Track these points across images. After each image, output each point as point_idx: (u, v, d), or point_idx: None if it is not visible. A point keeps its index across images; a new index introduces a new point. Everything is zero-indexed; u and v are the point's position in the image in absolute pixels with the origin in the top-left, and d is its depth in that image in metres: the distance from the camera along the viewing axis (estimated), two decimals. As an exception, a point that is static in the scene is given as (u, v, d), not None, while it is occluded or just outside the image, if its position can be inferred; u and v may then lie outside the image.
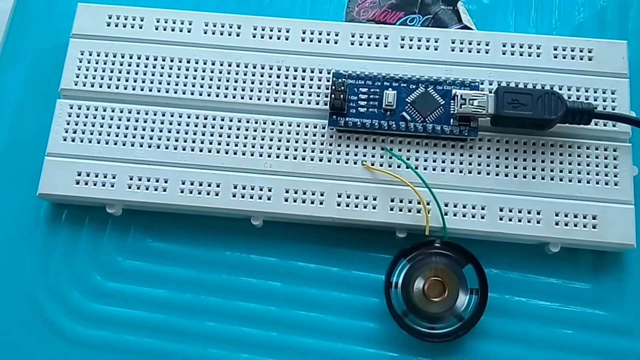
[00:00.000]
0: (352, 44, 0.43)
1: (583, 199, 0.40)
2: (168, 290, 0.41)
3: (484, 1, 0.47)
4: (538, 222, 0.40)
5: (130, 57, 0.43)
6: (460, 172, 0.41)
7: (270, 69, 0.43)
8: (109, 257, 0.42)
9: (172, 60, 0.43)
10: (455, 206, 0.40)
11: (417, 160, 0.41)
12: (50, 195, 0.41)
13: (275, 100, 0.42)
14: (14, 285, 0.42)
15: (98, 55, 0.43)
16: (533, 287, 0.41)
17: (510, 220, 0.40)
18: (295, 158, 0.41)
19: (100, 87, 0.43)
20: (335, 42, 0.43)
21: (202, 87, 0.43)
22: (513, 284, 0.41)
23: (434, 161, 0.41)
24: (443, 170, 0.41)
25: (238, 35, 0.44)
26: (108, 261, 0.42)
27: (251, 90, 0.43)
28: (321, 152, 0.41)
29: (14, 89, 0.45)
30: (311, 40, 0.43)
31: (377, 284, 0.41)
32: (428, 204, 0.40)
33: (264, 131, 0.42)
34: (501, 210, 0.40)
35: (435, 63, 0.43)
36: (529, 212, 0.40)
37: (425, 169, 0.41)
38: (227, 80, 0.43)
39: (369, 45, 0.43)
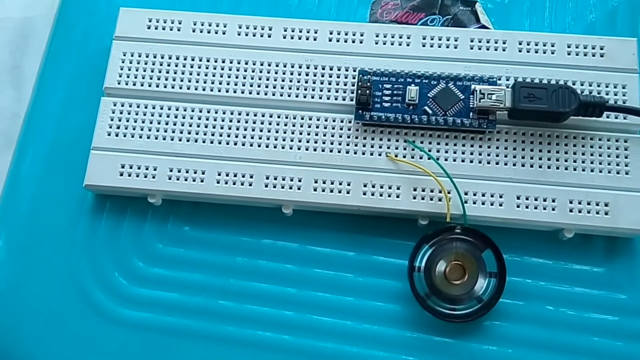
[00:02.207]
0: (377, 43, 0.45)
1: (596, 187, 0.42)
2: (205, 275, 0.43)
3: (501, 1, 0.48)
4: (553, 209, 0.41)
5: (169, 58, 0.45)
6: (479, 162, 0.42)
7: (300, 67, 0.44)
8: (149, 244, 0.44)
9: (208, 60, 0.45)
10: (474, 194, 0.42)
11: (438, 151, 0.43)
12: (95, 187, 0.43)
13: (305, 97, 0.44)
14: (62, 271, 0.43)
15: (139, 56, 0.45)
16: (548, 271, 0.42)
17: (526, 207, 0.41)
18: (323, 150, 0.43)
19: (142, 85, 0.44)
20: (361, 42, 0.45)
21: (236, 85, 0.44)
22: (529, 268, 0.42)
23: (455, 152, 0.42)
24: (463, 160, 0.42)
25: (269, 36, 0.45)
26: (149, 248, 0.44)
27: (282, 88, 0.44)
28: (348, 144, 0.43)
29: (62, 88, 0.47)
30: (338, 40, 0.45)
31: (400, 269, 0.42)
32: (449, 192, 0.41)
33: (294, 125, 0.43)
34: (518, 198, 0.41)
35: (455, 60, 0.44)
36: (544, 200, 0.41)
37: (446, 159, 0.42)
38: (260, 79, 0.44)
39: (392, 44, 0.45)
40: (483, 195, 0.42)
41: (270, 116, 0.44)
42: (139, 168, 0.43)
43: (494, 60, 0.44)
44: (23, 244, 0.44)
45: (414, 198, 0.42)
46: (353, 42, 0.45)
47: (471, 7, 0.48)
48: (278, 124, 0.44)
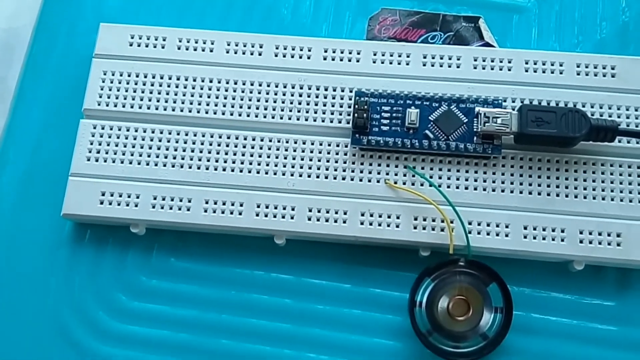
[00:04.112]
0: (374, 62, 0.43)
1: (607, 216, 0.40)
2: (192, 310, 0.41)
3: (505, 18, 0.47)
4: (562, 240, 0.40)
5: (153, 77, 0.43)
6: (484, 190, 0.41)
7: (293, 87, 0.43)
8: (132, 276, 0.42)
9: (194, 80, 0.43)
10: (479, 224, 0.40)
11: (440, 178, 0.41)
12: (74, 216, 0.41)
13: (298, 119, 0.42)
14: (39, 304, 0.41)
15: (121, 75, 0.43)
16: (557, 304, 0.41)
17: (534, 238, 0.40)
18: (318, 177, 0.41)
19: (123, 107, 0.43)
20: (357, 61, 0.43)
21: (224, 106, 0.43)
22: (537, 302, 0.41)
23: (458, 179, 0.41)
24: (467, 188, 0.41)
25: (260, 54, 0.44)
26: (132, 281, 0.42)
27: (273, 109, 0.42)
28: (344, 170, 0.41)
29: (37, 110, 0.45)
30: (333, 59, 0.43)
31: (400, 303, 0.41)
32: (452, 222, 0.40)
33: (286, 150, 0.42)
34: (525, 228, 0.40)
35: (457, 81, 0.43)
36: (553, 230, 0.40)
37: (448, 187, 0.41)
38: (250, 99, 0.43)
39: (390, 63, 0.43)
40: (488, 225, 0.40)
41: (262, 140, 0.42)
42: (120, 196, 0.41)
43: (499, 81, 0.43)
44: (-3, 275, 0.42)
45: (415, 228, 0.40)
46: (349, 60, 0.43)
47: (474, 23, 0.46)
48: (269, 149, 0.42)
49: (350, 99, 0.42)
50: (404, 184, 0.41)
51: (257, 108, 0.43)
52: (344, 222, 0.40)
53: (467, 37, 0.45)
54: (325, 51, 0.44)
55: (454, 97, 0.42)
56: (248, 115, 0.43)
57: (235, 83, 0.43)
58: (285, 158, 0.42)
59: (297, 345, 0.41)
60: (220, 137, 0.42)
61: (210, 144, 0.42)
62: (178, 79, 0.43)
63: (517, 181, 0.41)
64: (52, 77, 0.46)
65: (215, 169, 0.42)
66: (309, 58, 0.43)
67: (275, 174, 0.41)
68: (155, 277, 0.42)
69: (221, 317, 0.41)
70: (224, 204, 0.41)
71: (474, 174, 0.41)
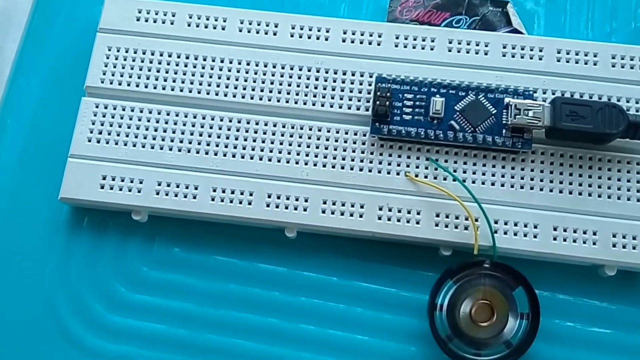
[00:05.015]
0: (396, 46, 0.41)
1: None
2: (194, 304, 0.40)
3: (533, 3, 0.45)
4: (594, 243, 0.38)
5: (161, 55, 0.41)
6: (512, 186, 0.39)
7: (309, 70, 0.41)
8: (132, 266, 0.40)
9: (204, 59, 0.41)
10: (505, 223, 0.38)
11: (465, 172, 0.39)
12: (72, 200, 0.39)
13: (314, 104, 0.40)
14: (33, 293, 0.40)
15: (126, 52, 0.41)
16: (587, 311, 0.39)
17: (564, 240, 0.38)
18: (334, 167, 0.39)
19: (128, 85, 0.41)
20: (378, 44, 0.41)
21: (235, 88, 0.41)
22: (565, 308, 0.39)
23: (484, 174, 0.39)
24: (493, 184, 0.39)
25: (275, 34, 0.42)
26: (132, 271, 0.40)
27: (288, 93, 0.41)
28: (362, 161, 0.39)
29: (36, 86, 0.43)
30: (352, 42, 0.41)
31: (417, 304, 0.39)
32: (477, 220, 0.38)
33: (301, 137, 0.40)
34: (554, 229, 0.38)
35: (485, 68, 0.41)
36: (584, 232, 0.38)
37: (473, 182, 0.39)
38: (263, 82, 0.41)
39: (414, 47, 0.41)
40: (515, 224, 0.38)
41: (274, 125, 0.40)
42: (122, 180, 0.39)
43: (529, 70, 0.41)
44: (-10, 263, 0.40)
45: (436, 225, 0.38)
46: (370, 43, 0.41)
47: (502, 7, 0.44)
48: (283, 135, 0.40)
49: (370, 85, 0.40)
50: (426, 177, 0.39)
51: (270, 91, 0.41)
52: (361, 216, 0.39)
53: (494, 22, 0.43)
54: (344, 33, 0.41)
55: (482, 86, 0.40)
56: (260, 99, 0.40)
57: (248, 64, 0.41)
58: (299, 146, 0.40)
59: (303, 345, 0.39)
60: (230, 121, 0.40)
61: (220, 128, 0.40)
62: (187, 57, 0.41)
63: (547, 178, 0.39)
64: (53, 50, 0.44)
65: (224, 155, 0.40)
66: (326, 40, 0.41)
67: (288, 162, 0.39)
68: (157, 267, 0.40)
69: (227, 313, 0.39)
70: (232, 192, 0.39)
71: (502, 169, 0.39)
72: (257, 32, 0.42)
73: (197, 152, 0.40)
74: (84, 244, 0.41)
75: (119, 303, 0.40)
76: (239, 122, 0.40)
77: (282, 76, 0.41)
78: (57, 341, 0.39)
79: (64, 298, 0.40)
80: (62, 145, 0.40)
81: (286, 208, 0.39)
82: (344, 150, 0.40)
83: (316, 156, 0.40)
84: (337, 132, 0.40)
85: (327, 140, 0.40)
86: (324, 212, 0.39)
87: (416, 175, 0.39)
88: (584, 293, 0.39)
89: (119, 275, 0.40)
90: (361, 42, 0.41)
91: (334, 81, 0.41)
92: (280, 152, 0.40)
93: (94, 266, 0.40)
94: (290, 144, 0.40)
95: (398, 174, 0.39)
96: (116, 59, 0.41)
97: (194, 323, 0.39)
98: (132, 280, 0.40)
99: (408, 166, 0.39)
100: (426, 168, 0.39)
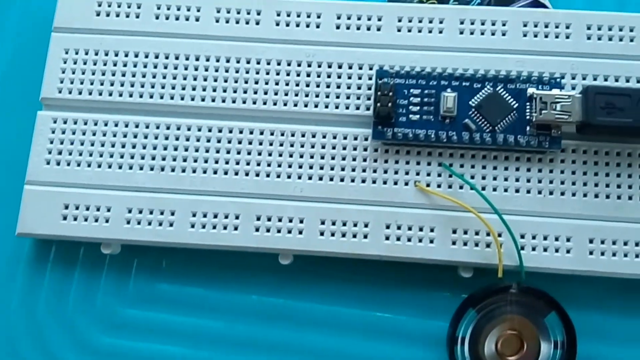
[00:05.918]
0: (399, 30, 0.38)
1: None
2: (177, 345, 0.37)
3: None
4: (637, 256, 0.35)
5: (126, 55, 0.38)
6: (539, 193, 0.36)
7: (298, 65, 0.37)
8: (105, 304, 0.38)
9: (176, 58, 0.38)
10: (533, 238, 0.35)
11: (484, 179, 0.36)
12: (31, 235, 0.36)
13: (306, 106, 0.37)
14: None
15: (86, 54, 0.38)
16: (632, 335, 0.36)
17: (602, 254, 0.35)
18: (332, 179, 0.36)
19: (90, 94, 0.38)
20: (378, 29, 0.38)
21: (214, 91, 0.37)
22: (606, 332, 0.36)
23: (506, 180, 0.36)
24: (517, 191, 0.36)
25: (257, 23, 0.38)
26: (105, 310, 0.38)
27: (275, 94, 0.37)
28: (364, 171, 0.36)
29: None
30: (348, 27, 0.38)
31: (434, 334, 0.36)
32: (499, 235, 0.35)
33: (292, 146, 0.37)
34: (591, 241, 0.35)
35: (503, 52, 0.37)
36: (625, 244, 0.35)
37: (494, 190, 0.36)
38: (246, 82, 0.37)
39: (419, 31, 0.38)
40: (545, 238, 0.35)
41: (261, 133, 0.37)
42: (87, 209, 0.36)
43: (555, 52, 0.37)
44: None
45: (453, 243, 0.35)
46: (368, 29, 0.38)
47: None
48: (271, 144, 0.37)
49: (370, 79, 0.37)
50: (439, 187, 0.36)
51: (255, 92, 0.37)
52: (365, 237, 0.35)
53: (511, -5, 0.40)
54: (338, 17, 0.38)
55: (501, 76, 0.36)
56: (244, 102, 0.37)
57: (227, 61, 0.38)
58: (291, 156, 0.37)
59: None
60: (209, 130, 0.37)
61: (198, 140, 0.37)
62: (157, 57, 0.38)
63: (580, 181, 0.36)
64: (3, 54, 0.41)
65: (204, 172, 0.36)
66: (317, 27, 0.38)
67: (278, 176, 0.36)
68: (134, 305, 0.38)
69: (215, 354, 0.37)
70: (215, 216, 0.36)
71: (527, 173, 0.36)
72: (237, 22, 0.38)
73: (173, 170, 0.36)
74: (51, 280, 0.38)
75: (90, 348, 0.37)
76: (220, 131, 0.37)
77: (267, 73, 0.37)
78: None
79: (29, 342, 0.37)
80: (18, 170, 0.37)
81: (279, 232, 0.36)
82: (343, 159, 0.36)
83: (311, 168, 0.36)
84: (334, 138, 0.37)
85: (323, 148, 0.37)
86: (322, 234, 0.36)
87: (427, 185, 0.36)
88: (628, 314, 0.37)
89: (90, 315, 0.38)
90: (358, 28, 0.38)
91: (328, 76, 0.37)
92: (269, 165, 0.36)
93: (62, 304, 0.38)
94: (280, 155, 0.36)
95: (406, 184, 0.36)
96: (75, 63, 0.38)
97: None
98: (105, 321, 0.38)
99: (418, 174, 0.36)
100: (439, 176, 0.36)
